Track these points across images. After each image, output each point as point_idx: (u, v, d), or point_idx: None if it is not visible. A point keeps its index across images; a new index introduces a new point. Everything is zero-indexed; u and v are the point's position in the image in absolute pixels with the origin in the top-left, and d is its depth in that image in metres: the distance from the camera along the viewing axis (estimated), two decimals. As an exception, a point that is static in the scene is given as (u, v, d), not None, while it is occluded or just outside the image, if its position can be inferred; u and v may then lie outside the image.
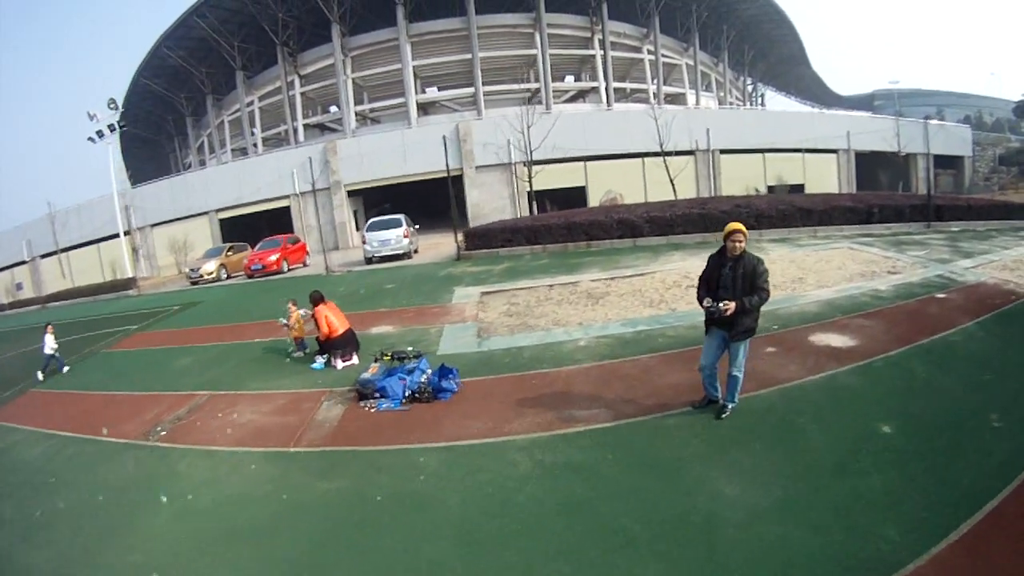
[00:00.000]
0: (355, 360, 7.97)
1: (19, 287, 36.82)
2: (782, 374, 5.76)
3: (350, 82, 36.03)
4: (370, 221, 21.08)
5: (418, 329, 9.38)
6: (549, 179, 28.65)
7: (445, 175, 29.44)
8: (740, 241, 4.68)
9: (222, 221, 32.36)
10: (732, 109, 42.54)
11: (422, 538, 3.80)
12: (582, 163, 29.51)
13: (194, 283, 21.76)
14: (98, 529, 4.59)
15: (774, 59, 54.58)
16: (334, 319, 8.00)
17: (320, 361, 8.04)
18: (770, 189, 30.18)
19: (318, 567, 3.67)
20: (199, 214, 32.39)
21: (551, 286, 11.21)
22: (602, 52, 37.46)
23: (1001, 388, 5.09)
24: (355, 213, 31.08)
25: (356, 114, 36.82)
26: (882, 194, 22.35)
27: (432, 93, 38.18)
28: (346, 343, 8.03)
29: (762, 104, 59.67)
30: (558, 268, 13.23)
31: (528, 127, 24.93)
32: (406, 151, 29.53)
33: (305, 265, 22.57)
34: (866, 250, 12.09)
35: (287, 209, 31.11)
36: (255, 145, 39.73)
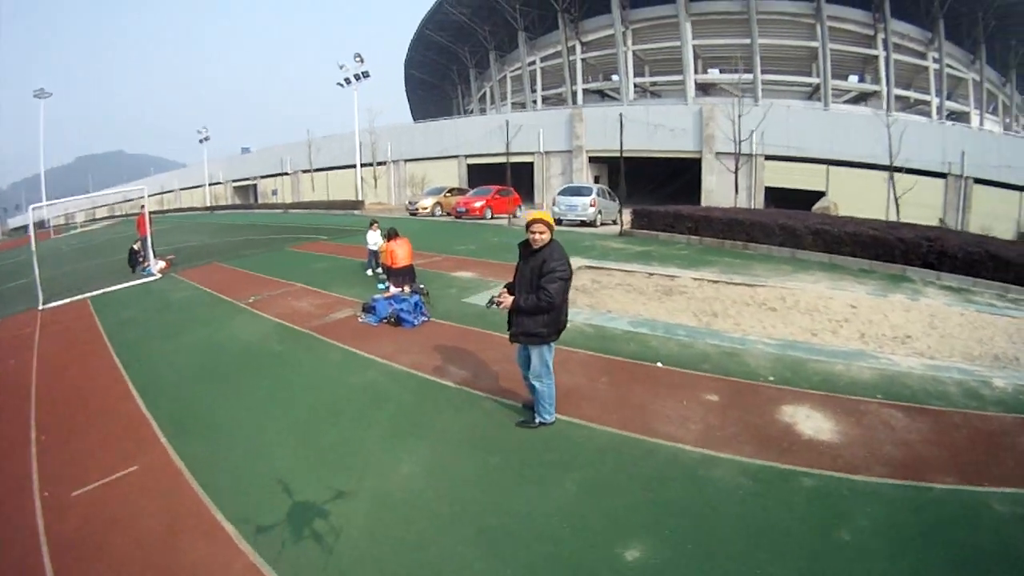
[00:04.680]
0: (406, 289, 10.08)
1: (274, 193, 49.94)
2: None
3: (630, 54, 37.38)
4: (563, 187, 22.84)
5: (484, 281, 10.70)
6: (787, 178, 27.92)
7: (685, 156, 30.17)
8: (541, 232, 4.32)
9: (470, 166, 37.60)
10: (986, 132, 32.05)
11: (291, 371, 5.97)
12: (824, 166, 27.14)
13: (412, 214, 26.31)
14: (193, 321, 8.48)
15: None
16: (398, 253, 10.17)
17: (384, 282, 10.43)
18: None
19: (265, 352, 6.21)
20: (450, 156, 38.12)
21: (650, 275, 10.77)
22: (884, 53, 33.57)
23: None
24: (596, 178, 32.68)
25: (636, 85, 38.07)
26: None
27: (713, 75, 37.94)
28: (402, 274, 10.17)
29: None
30: (682, 261, 12.52)
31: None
32: (649, 127, 30.47)
33: (515, 216, 23.36)
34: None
35: (531, 164, 34.49)
36: (535, 102, 42.95)
